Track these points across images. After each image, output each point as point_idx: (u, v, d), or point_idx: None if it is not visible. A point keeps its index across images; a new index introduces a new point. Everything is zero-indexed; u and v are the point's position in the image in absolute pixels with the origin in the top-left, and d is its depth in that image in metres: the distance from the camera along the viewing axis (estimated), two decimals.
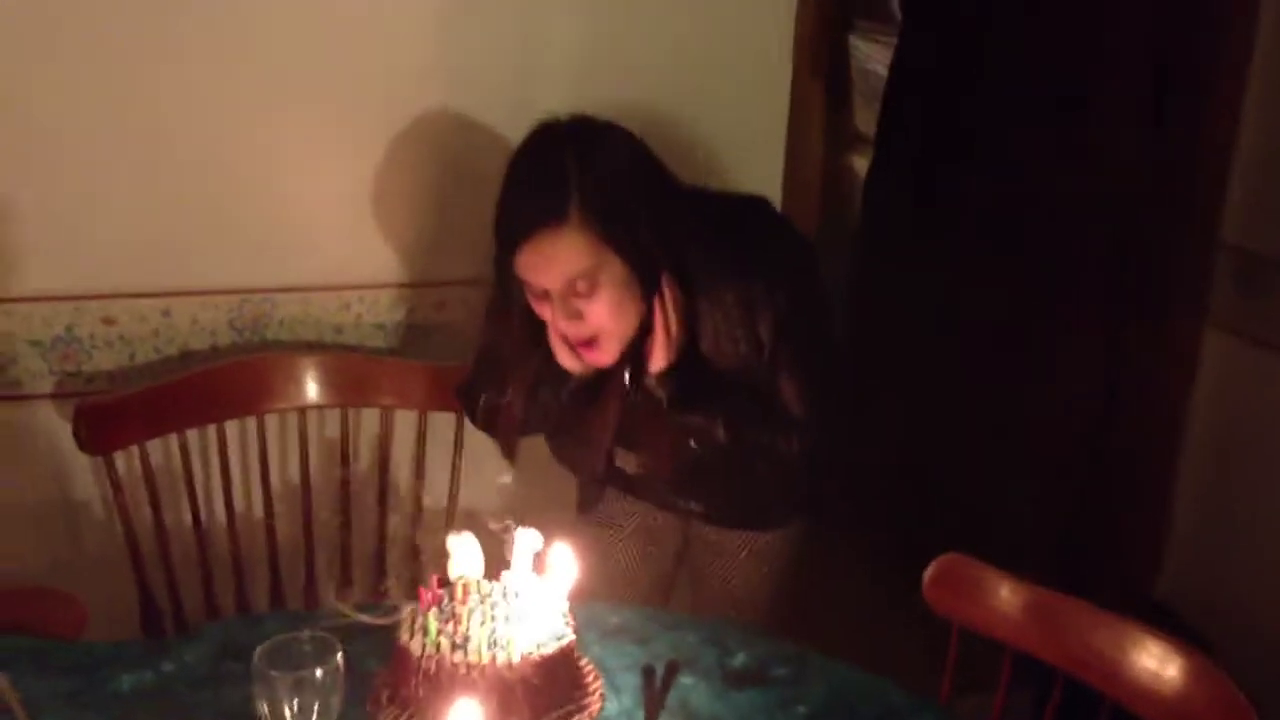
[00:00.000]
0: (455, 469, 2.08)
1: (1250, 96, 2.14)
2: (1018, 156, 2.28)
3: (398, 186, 2.16)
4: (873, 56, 2.54)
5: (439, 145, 2.16)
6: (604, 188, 1.56)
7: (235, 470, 2.05)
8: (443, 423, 2.09)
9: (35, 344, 2.08)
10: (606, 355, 1.64)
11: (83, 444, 1.88)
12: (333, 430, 2.13)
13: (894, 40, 2.51)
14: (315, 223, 2.15)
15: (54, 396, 2.11)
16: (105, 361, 2.12)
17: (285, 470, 2.16)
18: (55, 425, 2.10)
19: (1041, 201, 2.29)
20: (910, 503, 2.37)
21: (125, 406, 1.94)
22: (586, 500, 2.05)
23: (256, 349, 2.17)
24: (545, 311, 1.62)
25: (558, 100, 2.16)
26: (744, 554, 1.94)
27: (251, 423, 2.04)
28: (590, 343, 1.63)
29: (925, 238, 2.44)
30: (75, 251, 2.06)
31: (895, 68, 2.44)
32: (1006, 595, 1.48)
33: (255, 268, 2.15)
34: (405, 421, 2.11)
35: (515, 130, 2.15)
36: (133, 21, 1.97)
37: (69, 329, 2.09)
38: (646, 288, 1.62)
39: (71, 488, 2.14)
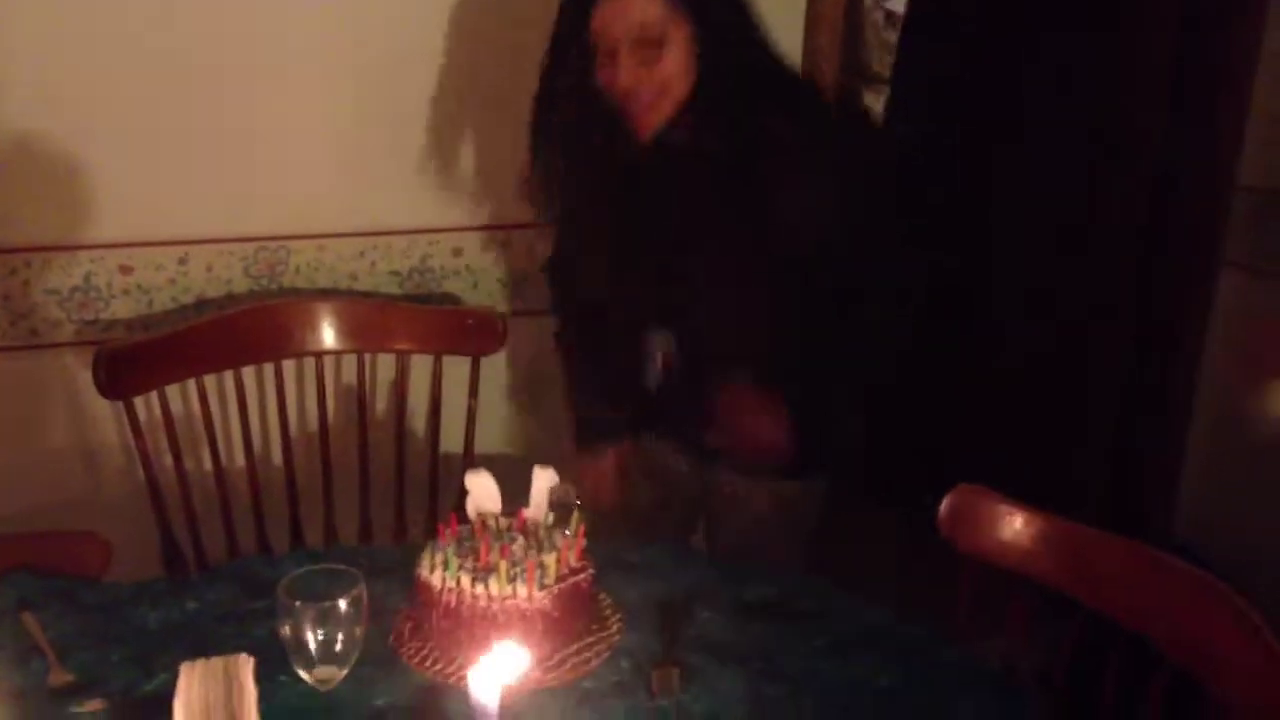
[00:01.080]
0: (471, 411, 2.09)
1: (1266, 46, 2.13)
2: (1039, 98, 2.25)
3: (412, 134, 2.16)
4: None
5: (453, 93, 2.15)
6: None
7: (254, 415, 2.07)
8: (458, 367, 2.09)
9: (53, 293, 2.09)
10: (656, 115, 1.67)
11: (103, 388, 1.89)
12: (349, 375, 2.14)
13: None
14: (329, 170, 2.15)
15: (72, 345, 2.13)
16: (123, 310, 2.13)
17: (303, 414, 2.18)
18: (74, 373, 2.11)
19: (1066, 145, 2.27)
20: (931, 450, 2.35)
21: (144, 351, 1.95)
22: (592, 430, 2.02)
23: (272, 296, 2.18)
24: (611, 73, 1.66)
25: None
26: (763, 504, 1.92)
27: (269, 368, 2.05)
28: (651, 102, 1.66)
29: (941, 181, 2.43)
30: (92, 201, 2.07)
31: (912, 6, 2.43)
32: (1021, 526, 1.49)
33: (270, 215, 2.16)
34: (421, 366, 2.12)
35: (527, 80, 2.17)
36: None
37: (87, 278, 2.10)
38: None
39: (92, 434, 2.16)
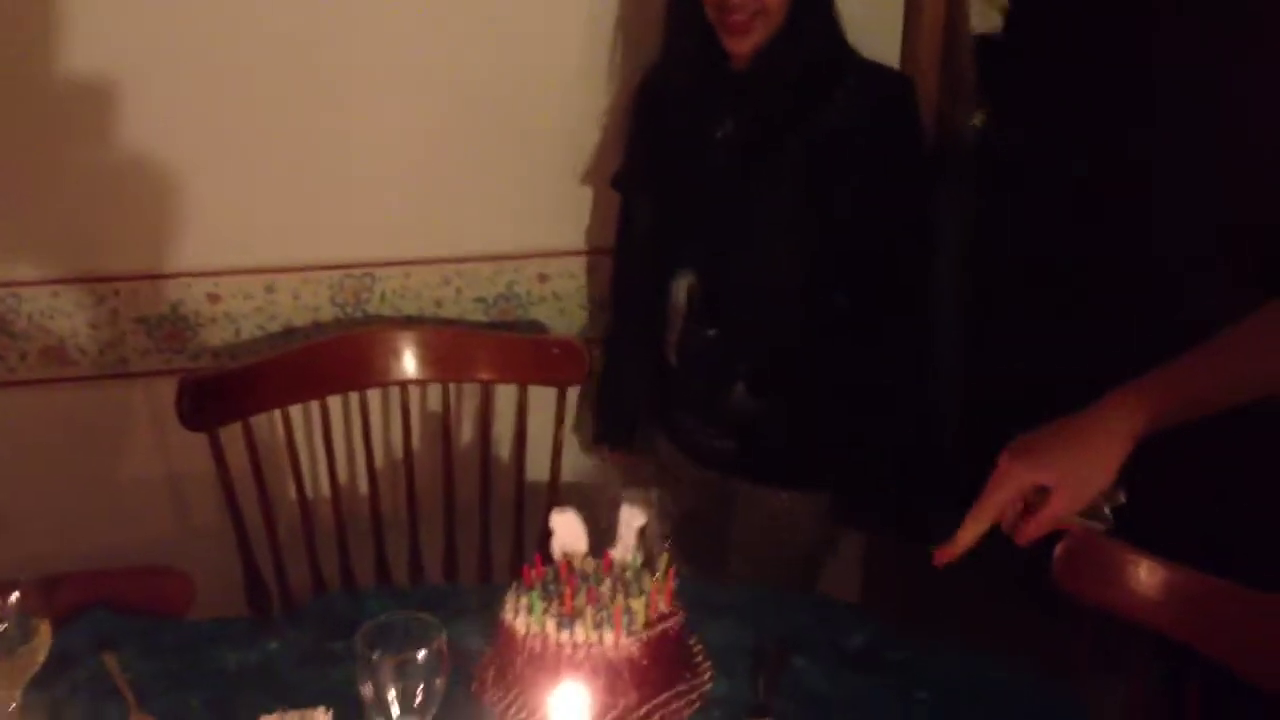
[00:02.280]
0: (557, 443, 2.04)
1: None
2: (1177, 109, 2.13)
3: (497, 159, 2.13)
4: None
5: (538, 118, 2.12)
6: None
7: (339, 445, 2.04)
8: (544, 397, 2.05)
9: (142, 321, 2.09)
10: (751, 39, 1.72)
11: (186, 419, 1.88)
12: (435, 404, 2.11)
13: None
14: (415, 197, 2.13)
15: (160, 374, 2.12)
16: (211, 338, 2.13)
17: (388, 445, 2.15)
18: (162, 402, 2.09)
19: (1195, 151, 2.14)
20: None
21: (228, 382, 1.93)
22: (605, 428, 2.14)
23: (358, 324, 2.16)
24: None
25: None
26: (775, 510, 1.94)
27: (354, 397, 2.03)
28: (747, 20, 1.70)
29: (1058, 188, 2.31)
30: (181, 230, 2.06)
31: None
32: (1145, 576, 1.39)
33: (356, 242, 2.14)
34: (507, 396, 2.08)
35: (606, 99, 2.13)
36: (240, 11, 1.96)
37: (174, 306, 2.10)
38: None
39: (177, 464, 2.16)
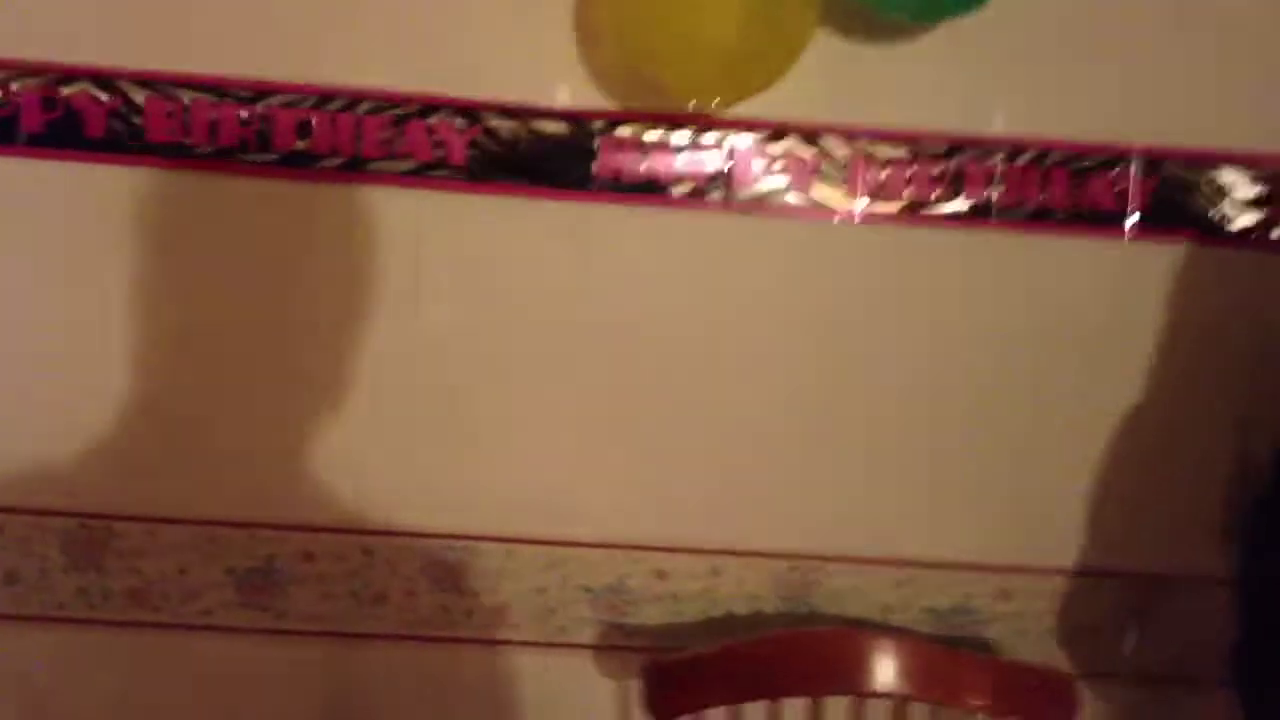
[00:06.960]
0: None
1: None
2: None
3: (954, 461, 2.02)
4: None
5: (1014, 420, 2.01)
6: None
7: None
8: None
9: (587, 590, 2.02)
10: None
11: (652, 707, 1.76)
12: None
13: None
14: (868, 489, 2.03)
15: (594, 648, 2.04)
16: (651, 617, 2.03)
17: None
18: (590, 677, 2.02)
19: None
20: None
21: (696, 668, 1.82)
22: None
23: (802, 620, 2.03)
24: None
25: None
26: None
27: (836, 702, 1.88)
28: None
29: None
30: (630, 502, 2.02)
31: None
32: None
33: (806, 531, 2.03)
34: None
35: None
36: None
37: (621, 579, 2.03)
38: None
39: None
